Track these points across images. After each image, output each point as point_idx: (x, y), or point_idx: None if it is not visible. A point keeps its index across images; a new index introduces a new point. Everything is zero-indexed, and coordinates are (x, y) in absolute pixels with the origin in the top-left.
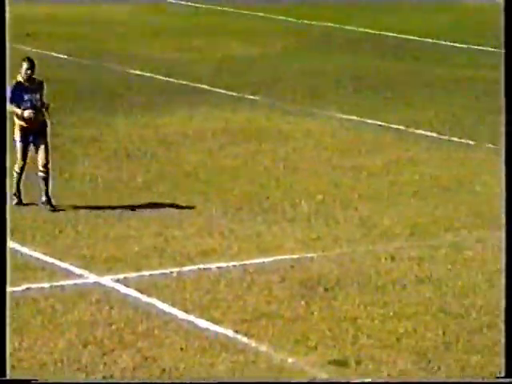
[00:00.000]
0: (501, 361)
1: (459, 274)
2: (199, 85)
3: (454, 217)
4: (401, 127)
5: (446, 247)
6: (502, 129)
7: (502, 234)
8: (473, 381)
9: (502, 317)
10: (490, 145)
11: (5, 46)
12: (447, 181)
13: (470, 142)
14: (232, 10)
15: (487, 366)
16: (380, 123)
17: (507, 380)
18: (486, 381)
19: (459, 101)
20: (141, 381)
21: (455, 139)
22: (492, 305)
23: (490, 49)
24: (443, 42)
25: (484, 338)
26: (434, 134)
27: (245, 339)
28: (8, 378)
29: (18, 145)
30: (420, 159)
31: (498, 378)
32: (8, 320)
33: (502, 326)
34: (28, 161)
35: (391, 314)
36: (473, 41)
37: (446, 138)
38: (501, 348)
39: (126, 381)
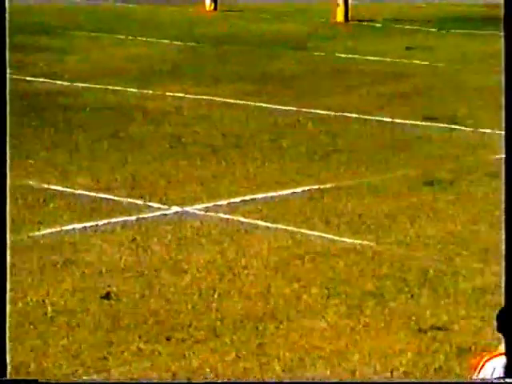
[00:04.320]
0: None
1: None
2: None
3: None
4: None
5: None
6: None
7: None
8: (474, 381)
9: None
10: None
11: (5, 46)
12: None
13: None
14: None
15: None
16: None
17: (507, 380)
18: (487, 381)
19: None
20: (140, 381)
21: None
22: None
23: None
24: None
25: None
26: None
27: None
28: (8, 377)
29: None
30: None
31: (499, 377)
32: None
33: None
34: None
35: None
36: None
37: None
38: None
39: (126, 381)
